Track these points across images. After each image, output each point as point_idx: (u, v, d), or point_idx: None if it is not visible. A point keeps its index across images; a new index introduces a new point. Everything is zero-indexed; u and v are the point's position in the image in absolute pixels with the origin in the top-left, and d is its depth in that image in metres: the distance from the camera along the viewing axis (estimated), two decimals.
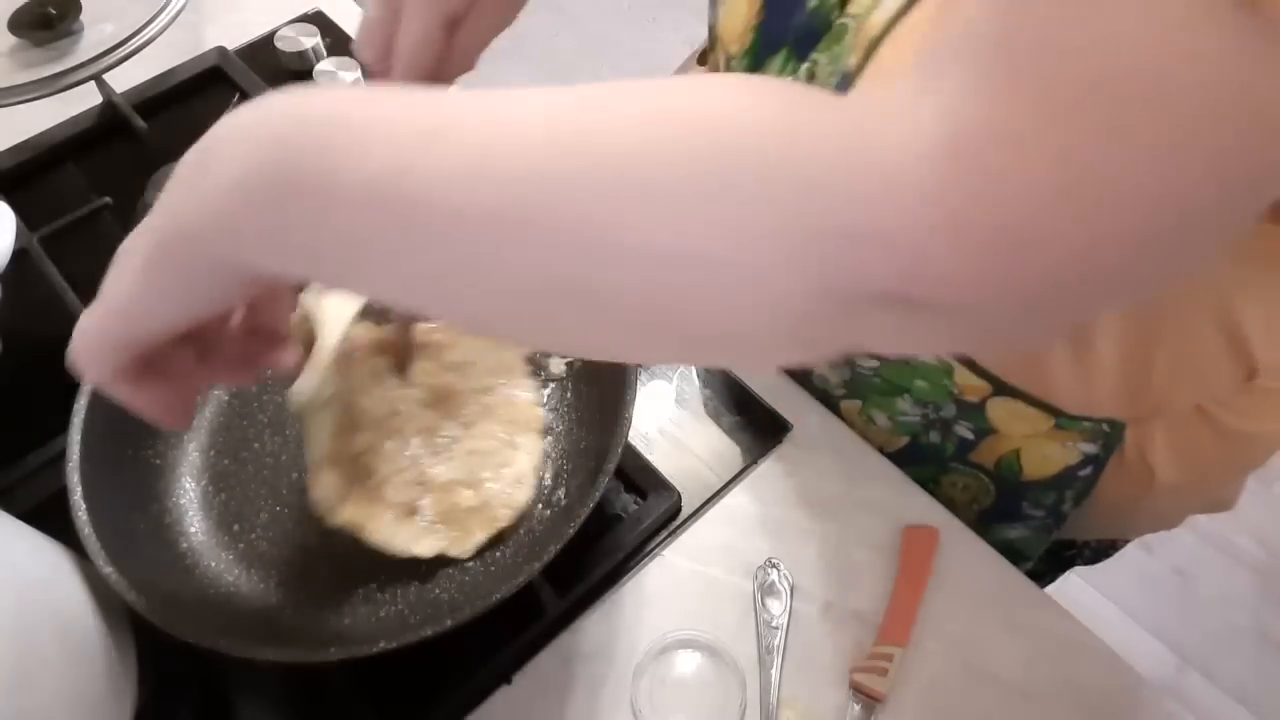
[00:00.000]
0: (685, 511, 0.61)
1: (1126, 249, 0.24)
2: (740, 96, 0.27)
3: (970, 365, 0.55)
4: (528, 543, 0.56)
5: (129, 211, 0.75)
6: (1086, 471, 0.58)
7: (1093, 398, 0.53)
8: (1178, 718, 0.54)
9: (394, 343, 0.59)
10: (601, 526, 0.58)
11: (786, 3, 0.52)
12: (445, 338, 0.61)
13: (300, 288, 0.54)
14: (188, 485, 0.59)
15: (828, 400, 0.66)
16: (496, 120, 0.28)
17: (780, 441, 0.64)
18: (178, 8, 0.76)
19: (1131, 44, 0.22)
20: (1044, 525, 0.63)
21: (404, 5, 0.50)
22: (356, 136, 0.29)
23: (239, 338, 0.41)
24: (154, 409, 0.37)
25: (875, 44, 0.44)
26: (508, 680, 0.55)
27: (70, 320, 0.34)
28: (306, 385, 0.52)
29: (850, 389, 0.64)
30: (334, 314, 0.54)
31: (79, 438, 0.53)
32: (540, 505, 0.57)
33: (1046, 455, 0.58)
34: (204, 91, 0.87)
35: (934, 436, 0.62)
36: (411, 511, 0.55)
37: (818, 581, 0.58)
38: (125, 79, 0.82)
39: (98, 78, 0.77)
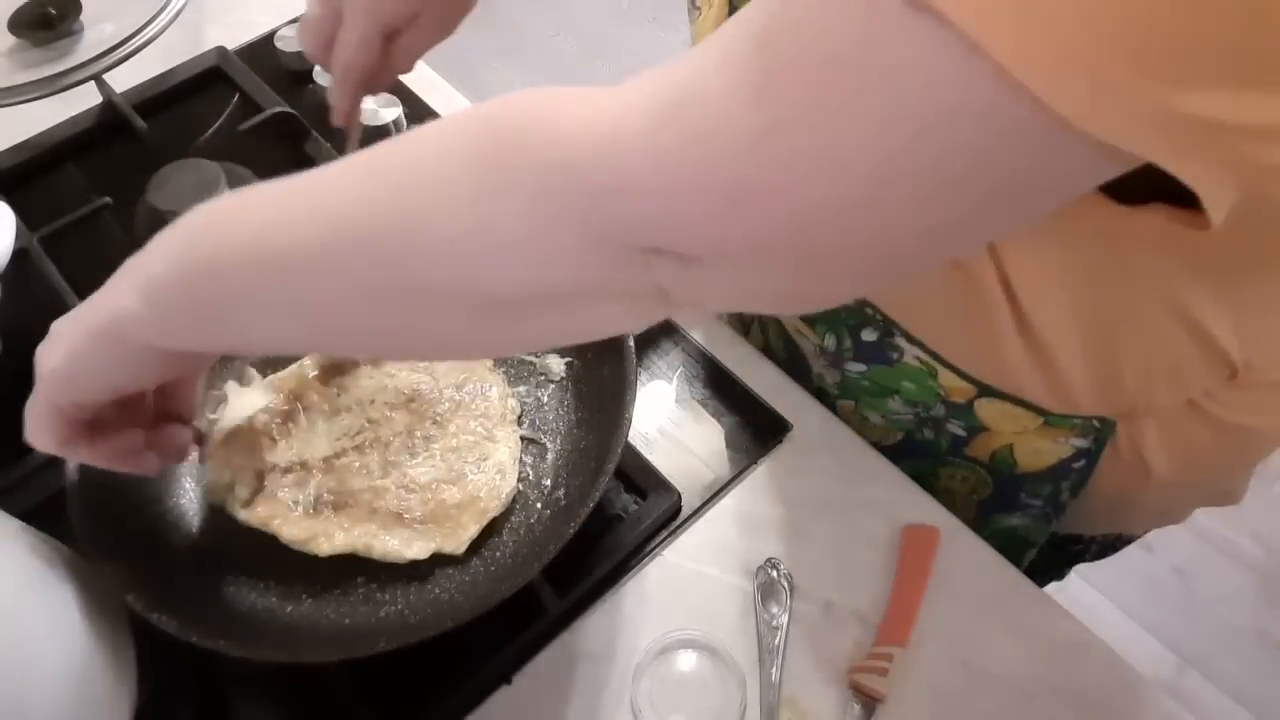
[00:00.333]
0: (685, 511, 0.61)
1: (836, 212, 0.26)
2: (493, 104, 0.32)
3: (950, 368, 0.55)
4: (528, 543, 0.56)
5: (129, 211, 0.75)
6: (1080, 464, 0.58)
7: (1070, 399, 0.53)
8: (1177, 718, 0.54)
9: (297, 386, 0.60)
10: (601, 526, 0.58)
11: None
12: None
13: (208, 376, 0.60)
14: (188, 485, 0.59)
15: (826, 400, 0.66)
16: (326, 175, 0.35)
17: (780, 441, 0.64)
18: (178, 8, 0.76)
19: (825, 30, 0.25)
20: (1043, 514, 0.64)
21: (344, 9, 0.53)
22: (232, 217, 0.37)
23: (150, 420, 0.49)
24: (113, 461, 0.45)
25: None
26: (508, 680, 0.55)
27: None
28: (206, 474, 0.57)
29: (843, 390, 0.64)
30: (233, 408, 0.59)
31: None
32: (540, 505, 0.57)
33: (1038, 450, 0.58)
34: (204, 91, 0.87)
35: (928, 434, 0.62)
36: (400, 517, 0.55)
37: (818, 581, 0.58)
38: (125, 79, 0.82)
39: (98, 78, 0.77)
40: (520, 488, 0.58)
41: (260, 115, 0.80)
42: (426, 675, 0.54)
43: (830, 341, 0.61)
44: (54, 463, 0.54)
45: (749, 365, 0.68)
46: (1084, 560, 0.77)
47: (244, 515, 0.55)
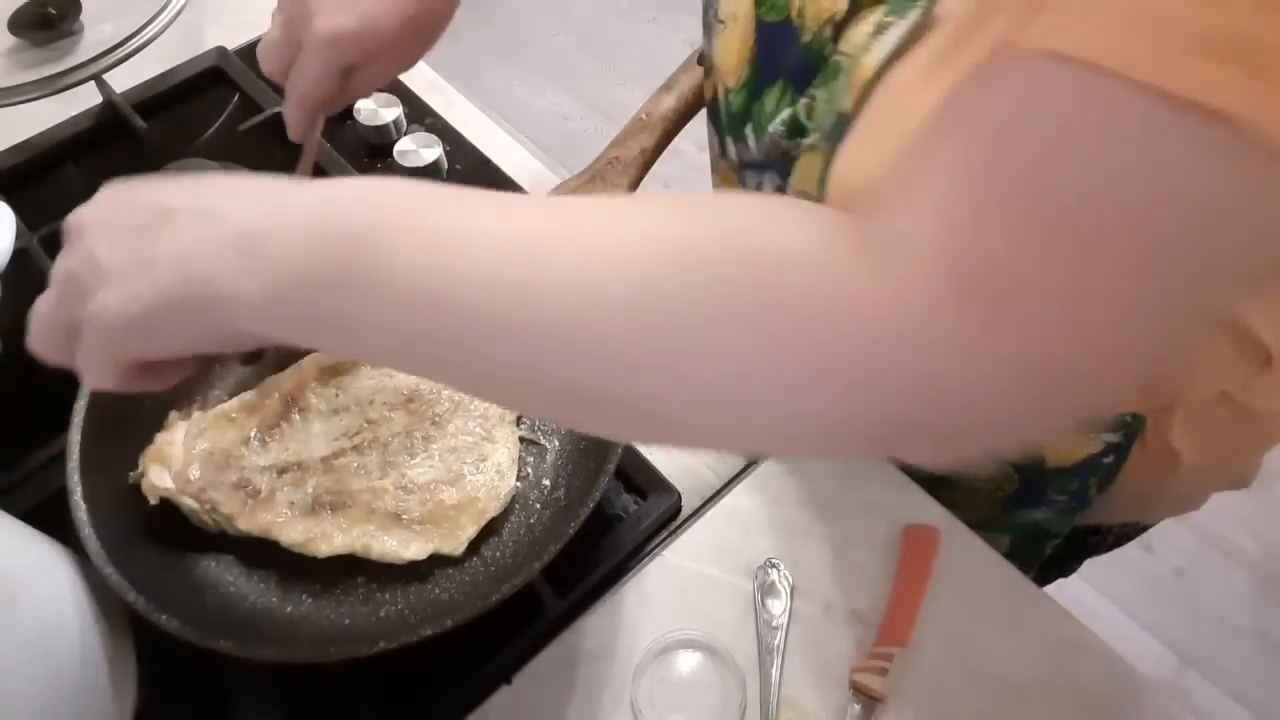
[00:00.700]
0: (685, 511, 0.61)
1: (1132, 361, 0.26)
2: (776, 226, 0.29)
3: None
4: (528, 543, 0.56)
5: None
6: (1110, 459, 0.58)
7: None
8: (1177, 718, 0.54)
9: (295, 387, 0.60)
10: (601, 526, 0.58)
11: (780, 36, 0.52)
12: None
13: None
14: None
15: None
16: (552, 244, 0.30)
17: None
18: (178, 8, 0.76)
19: (1123, 181, 0.24)
20: (1068, 508, 0.64)
21: (303, 41, 0.52)
22: (415, 243, 0.31)
23: None
24: (144, 388, 0.40)
25: (869, 87, 0.45)
26: (508, 680, 0.55)
27: None
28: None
29: None
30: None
31: (79, 438, 0.53)
32: (540, 505, 0.57)
33: (1069, 444, 0.58)
34: (204, 91, 0.87)
35: None
36: (398, 518, 0.55)
37: (818, 581, 0.58)
38: (125, 79, 0.82)
39: (98, 78, 0.77)
40: (520, 488, 0.58)
41: (260, 115, 0.80)
42: (426, 675, 0.54)
43: None
44: (54, 462, 0.54)
45: None
46: (1099, 553, 0.77)
47: (242, 527, 0.54)
